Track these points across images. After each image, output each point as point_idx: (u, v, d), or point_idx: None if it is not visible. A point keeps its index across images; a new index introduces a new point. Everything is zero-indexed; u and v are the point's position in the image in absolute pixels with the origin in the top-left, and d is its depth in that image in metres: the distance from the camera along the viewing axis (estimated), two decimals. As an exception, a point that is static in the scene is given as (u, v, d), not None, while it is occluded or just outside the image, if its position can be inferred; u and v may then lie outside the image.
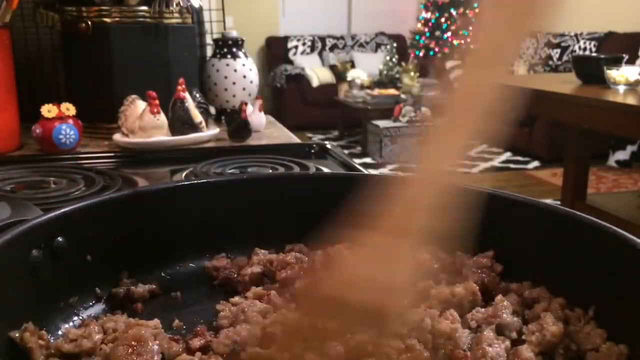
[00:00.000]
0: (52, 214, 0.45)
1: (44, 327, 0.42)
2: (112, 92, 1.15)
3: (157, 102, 1.05)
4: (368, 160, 4.95)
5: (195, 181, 0.59)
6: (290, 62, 6.62)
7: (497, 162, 4.93)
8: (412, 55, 7.09)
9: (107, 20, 1.15)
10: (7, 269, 0.40)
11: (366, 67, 6.45)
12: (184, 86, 1.08)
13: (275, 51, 6.75)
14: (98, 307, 0.48)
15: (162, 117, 1.06)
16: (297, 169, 0.87)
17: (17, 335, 0.38)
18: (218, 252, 0.56)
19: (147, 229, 0.52)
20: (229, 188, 0.58)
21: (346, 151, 5.12)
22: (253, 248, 0.56)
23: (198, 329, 0.43)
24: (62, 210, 0.46)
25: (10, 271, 0.40)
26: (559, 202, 2.83)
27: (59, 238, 0.45)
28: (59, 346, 0.39)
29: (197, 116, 1.10)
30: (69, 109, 1.03)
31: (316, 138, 5.83)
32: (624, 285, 0.41)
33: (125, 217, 0.51)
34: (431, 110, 0.36)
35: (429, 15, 7.06)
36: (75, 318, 0.46)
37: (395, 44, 6.99)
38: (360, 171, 0.86)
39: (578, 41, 5.31)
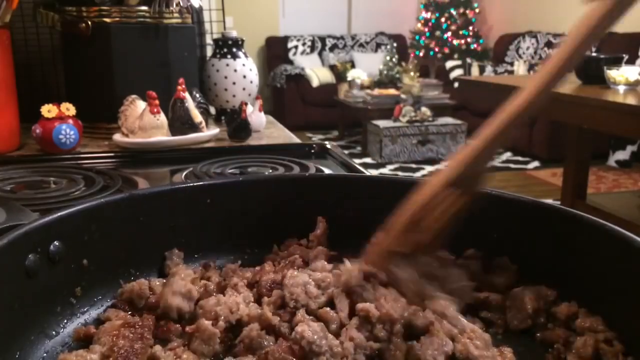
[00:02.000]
0: (48, 218, 0.45)
1: (40, 331, 0.42)
2: (112, 92, 1.15)
3: (157, 102, 1.05)
4: (368, 160, 4.95)
5: (191, 184, 0.59)
6: (290, 62, 6.62)
7: (497, 162, 4.93)
8: (412, 55, 7.09)
9: (107, 20, 1.15)
10: (4, 273, 0.40)
11: (366, 67, 6.45)
12: (184, 86, 1.08)
13: (275, 51, 6.74)
14: (95, 311, 0.48)
15: (162, 117, 1.06)
16: (297, 169, 0.87)
17: None
18: (215, 254, 0.55)
19: (143, 232, 0.52)
20: (226, 190, 0.58)
21: (346, 151, 5.12)
22: (250, 250, 0.56)
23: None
24: (58, 214, 0.46)
25: (7, 276, 0.40)
26: (559, 202, 2.83)
27: (55, 242, 0.44)
28: None
29: (197, 116, 1.10)
30: (69, 109, 1.03)
31: (316, 138, 5.83)
32: (621, 282, 0.41)
33: (121, 220, 0.51)
34: None
35: (429, 15, 7.06)
36: (72, 322, 0.46)
37: (395, 44, 6.99)
38: (360, 171, 0.86)
39: (578, 41, 5.31)
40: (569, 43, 0.41)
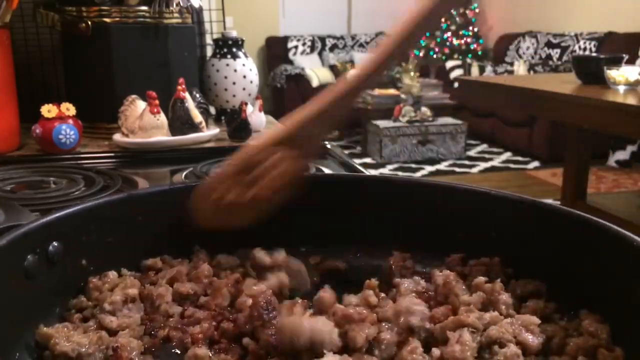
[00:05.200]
0: (46, 219, 0.45)
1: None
2: (112, 92, 1.15)
3: (157, 102, 1.05)
4: (368, 160, 4.95)
5: (189, 183, 0.59)
6: (290, 62, 6.61)
7: (497, 162, 4.93)
8: (412, 55, 7.09)
9: (107, 20, 1.15)
10: (3, 274, 0.39)
11: (366, 67, 6.44)
12: (184, 86, 1.08)
13: (275, 51, 6.74)
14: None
15: (162, 117, 1.06)
16: (297, 169, 0.87)
17: None
18: (214, 254, 0.55)
19: (141, 232, 0.52)
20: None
21: (346, 151, 5.12)
22: (249, 250, 0.56)
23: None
24: (57, 214, 0.46)
25: (6, 277, 0.40)
26: (559, 202, 2.83)
27: (54, 243, 0.44)
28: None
29: (197, 116, 1.10)
30: (69, 109, 1.03)
31: (316, 138, 5.82)
32: (621, 283, 0.41)
33: (119, 220, 0.51)
34: None
35: (429, 15, 7.05)
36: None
37: (395, 44, 6.98)
38: (360, 171, 0.86)
39: (578, 41, 5.31)
40: (397, 34, 0.46)
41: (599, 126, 2.11)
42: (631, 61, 3.68)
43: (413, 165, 4.79)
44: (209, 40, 1.49)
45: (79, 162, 0.98)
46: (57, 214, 0.46)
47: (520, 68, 5.62)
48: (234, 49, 1.34)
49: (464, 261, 0.53)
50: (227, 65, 1.33)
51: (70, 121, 1.02)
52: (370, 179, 0.66)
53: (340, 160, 0.97)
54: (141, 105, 1.07)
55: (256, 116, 1.22)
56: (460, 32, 6.97)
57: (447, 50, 6.93)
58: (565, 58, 5.36)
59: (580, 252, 0.46)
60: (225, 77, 1.33)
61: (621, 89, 2.10)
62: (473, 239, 0.53)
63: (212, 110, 1.39)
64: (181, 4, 1.19)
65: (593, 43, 5.13)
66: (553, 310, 0.45)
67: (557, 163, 4.16)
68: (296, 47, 6.76)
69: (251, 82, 1.35)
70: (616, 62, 2.24)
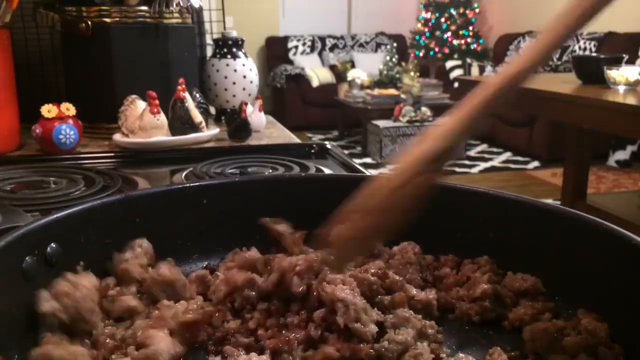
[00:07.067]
0: (44, 220, 0.45)
1: (38, 334, 0.42)
2: (112, 92, 1.15)
3: (157, 102, 1.05)
4: (368, 160, 4.95)
5: (187, 184, 0.59)
6: (290, 62, 6.61)
7: (497, 162, 4.92)
8: (412, 55, 7.08)
9: (107, 20, 1.15)
10: (1, 276, 0.39)
11: (366, 67, 6.45)
12: (184, 86, 1.08)
13: (275, 51, 6.74)
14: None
15: (162, 117, 1.06)
16: (297, 169, 0.87)
17: None
18: (213, 256, 0.55)
19: (139, 233, 0.52)
20: (222, 191, 0.57)
21: (346, 151, 5.11)
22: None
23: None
24: (54, 216, 0.46)
25: (5, 278, 0.40)
26: (559, 202, 2.83)
27: (52, 244, 0.44)
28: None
29: (197, 116, 1.10)
30: (69, 109, 1.03)
31: (316, 138, 5.82)
32: (620, 283, 0.41)
33: (117, 221, 0.51)
34: None
35: (429, 15, 7.06)
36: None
37: (395, 44, 6.99)
38: (360, 171, 0.86)
39: (578, 41, 5.31)
40: (549, 35, 0.39)
41: (599, 126, 2.11)
42: (631, 61, 3.68)
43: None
44: (209, 40, 1.49)
45: (79, 162, 0.98)
46: (55, 216, 0.46)
47: (520, 68, 5.61)
48: (234, 49, 1.34)
49: (459, 260, 0.53)
50: (227, 65, 1.33)
51: (70, 121, 1.02)
52: (370, 178, 0.66)
53: (340, 160, 0.97)
54: (141, 105, 1.07)
55: (256, 116, 1.22)
56: (460, 32, 6.96)
57: (447, 50, 6.92)
58: (565, 58, 5.35)
59: (580, 252, 0.46)
60: (225, 77, 1.33)
61: (621, 89, 2.10)
62: (471, 239, 0.53)
63: (212, 110, 1.39)
64: (181, 4, 1.19)
65: (593, 43, 5.12)
66: (551, 309, 0.46)
67: (557, 163, 4.16)
68: (296, 47, 6.76)
69: (251, 82, 1.35)
70: (616, 62, 2.24)
